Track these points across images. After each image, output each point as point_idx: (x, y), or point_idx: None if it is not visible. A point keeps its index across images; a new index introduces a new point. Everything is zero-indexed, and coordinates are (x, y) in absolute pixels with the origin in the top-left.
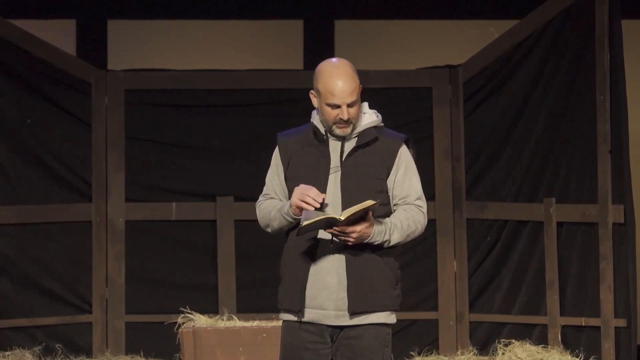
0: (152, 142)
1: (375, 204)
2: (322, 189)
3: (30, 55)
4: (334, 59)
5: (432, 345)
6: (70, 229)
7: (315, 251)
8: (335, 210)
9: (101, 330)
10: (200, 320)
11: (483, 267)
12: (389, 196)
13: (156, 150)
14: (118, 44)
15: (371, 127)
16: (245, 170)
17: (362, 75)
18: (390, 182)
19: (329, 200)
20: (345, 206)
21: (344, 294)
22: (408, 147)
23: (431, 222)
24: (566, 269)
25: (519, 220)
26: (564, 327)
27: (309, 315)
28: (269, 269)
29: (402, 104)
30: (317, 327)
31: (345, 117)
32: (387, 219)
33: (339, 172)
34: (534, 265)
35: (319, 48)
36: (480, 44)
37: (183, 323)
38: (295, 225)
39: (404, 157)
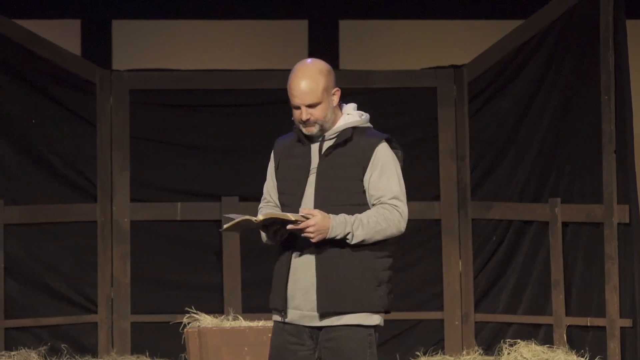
0: (157, 142)
1: (296, 220)
2: (302, 189)
3: (35, 56)
4: (307, 60)
5: (438, 345)
6: (75, 229)
7: (294, 251)
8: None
9: (107, 330)
10: (206, 320)
11: (488, 267)
12: (365, 195)
13: (161, 150)
14: (123, 44)
15: (349, 128)
16: (250, 170)
17: (366, 75)
18: (365, 182)
19: (306, 201)
20: (318, 206)
21: (314, 293)
22: (393, 148)
23: (436, 222)
24: (571, 269)
25: (524, 221)
26: (569, 327)
27: (290, 315)
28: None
29: (407, 104)
30: (295, 328)
31: (303, 118)
32: (352, 216)
33: (315, 173)
34: (539, 265)
35: (323, 48)
36: (485, 44)
37: (188, 323)
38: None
39: (381, 157)
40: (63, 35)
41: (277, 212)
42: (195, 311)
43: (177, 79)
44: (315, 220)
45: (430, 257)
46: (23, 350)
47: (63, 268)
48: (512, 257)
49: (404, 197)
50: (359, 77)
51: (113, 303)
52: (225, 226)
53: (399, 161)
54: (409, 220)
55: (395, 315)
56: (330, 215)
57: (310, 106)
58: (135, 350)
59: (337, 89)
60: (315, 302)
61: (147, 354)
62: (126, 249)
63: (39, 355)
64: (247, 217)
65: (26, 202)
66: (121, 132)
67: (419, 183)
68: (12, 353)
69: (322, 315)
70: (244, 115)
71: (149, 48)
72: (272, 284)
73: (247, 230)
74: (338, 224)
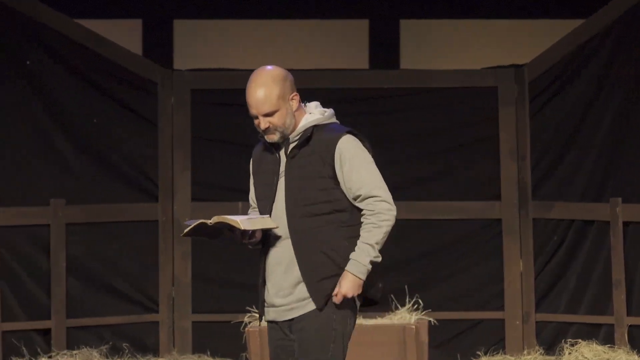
0: (218, 142)
1: (239, 226)
2: (274, 194)
3: (97, 55)
4: (262, 68)
5: (499, 345)
6: (137, 228)
7: (266, 253)
8: (281, 215)
9: (168, 329)
10: None
11: (549, 266)
12: (338, 190)
13: (222, 149)
14: (184, 43)
15: (310, 127)
16: None
17: (426, 74)
18: (340, 178)
19: (277, 205)
20: (289, 209)
21: (287, 288)
22: (360, 140)
23: (497, 222)
24: (633, 269)
25: (585, 220)
26: (630, 327)
27: (272, 315)
28: None
29: (467, 104)
30: (277, 325)
31: (262, 126)
32: (355, 250)
33: (284, 176)
34: (600, 265)
35: (384, 47)
36: (546, 43)
37: (249, 322)
38: (259, 241)
39: (347, 151)
40: (125, 35)
41: (228, 217)
42: (256, 310)
43: (238, 78)
44: (339, 287)
45: (490, 257)
46: (85, 349)
47: (124, 267)
48: (573, 256)
49: (381, 182)
50: (420, 76)
51: (174, 302)
52: (184, 232)
53: (369, 150)
54: (470, 220)
55: (456, 315)
56: (345, 269)
57: (267, 115)
58: (197, 349)
59: (294, 93)
60: (287, 298)
61: (208, 353)
62: (187, 249)
63: (100, 354)
64: (202, 220)
65: (88, 201)
66: (182, 131)
67: (480, 183)
68: (74, 352)
69: (293, 309)
70: None
71: (210, 47)
72: None
73: (211, 236)
74: (355, 267)
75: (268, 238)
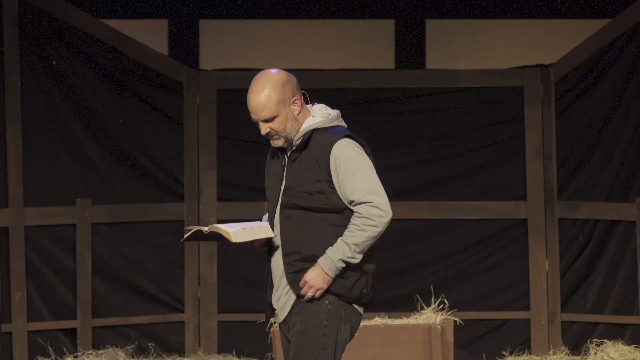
0: (244, 142)
1: (231, 238)
2: (278, 197)
3: (122, 55)
4: (263, 72)
5: (524, 345)
6: (163, 228)
7: (269, 257)
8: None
9: (193, 329)
10: None
11: (575, 266)
12: (334, 194)
13: (248, 149)
14: (210, 43)
15: (309, 130)
16: None
17: (452, 74)
18: (335, 183)
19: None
20: (282, 212)
21: (281, 290)
22: (359, 144)
23: (523, 222)
24: None
25: (610, 220)
26: None
27: (277, 318)
28: None
29: (493, 104)
30: (280, 326)
31: (262, 132)
32: (333, 246)
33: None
34: (626, 265)
35: (410, 47)
36: (572, 43)
37: (275, 322)
38: (264, 244)
39: (342, 156)
40: (150, 35)
41: (222, 227)
42: None
43: None
44: (304, 278)
45: (516, 257)
46: (111, 348)
47: (150, 267)
48: (598, 256)
49: (376, 188)
50: (446, 76)
51: (200, 302)
52: (183, 237)
53: (368, 155)
54: (495, 220)
55: (481, 315)
56: (318, 261)
57: (266, 121)
58: (222, 349)
59: (296, 97)
60: (279, 299)
61: (234, 352)
62: (213, 248)
63: (126, 354)
64: (199, 228)
65: (113, 201)
66: (208, 131)
67: (506, 183)
68: (100, 352)
69: (282, 309)
70: None
71: (236, 47)
72: None
73: (213, 240)
74: (325, 261)
75: (271, 240)
